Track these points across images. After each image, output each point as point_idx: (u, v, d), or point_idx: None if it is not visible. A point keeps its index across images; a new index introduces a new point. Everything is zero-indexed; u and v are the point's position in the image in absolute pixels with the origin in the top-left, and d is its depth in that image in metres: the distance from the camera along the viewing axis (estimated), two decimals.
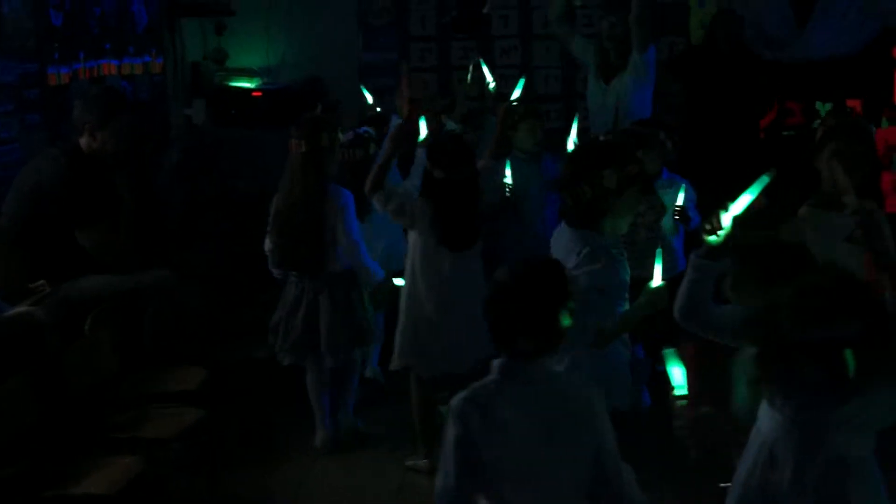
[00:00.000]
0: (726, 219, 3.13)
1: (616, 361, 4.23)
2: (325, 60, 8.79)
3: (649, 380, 5.64)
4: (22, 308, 4.77)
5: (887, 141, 7.84)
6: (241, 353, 6.76)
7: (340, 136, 5.76)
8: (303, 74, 8.97)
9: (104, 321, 5.20)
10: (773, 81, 8.18)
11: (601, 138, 6.33)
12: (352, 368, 5.89)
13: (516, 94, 5.82)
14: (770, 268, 3.41)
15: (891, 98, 8.44)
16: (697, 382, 5.97)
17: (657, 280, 3.85)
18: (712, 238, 3.14)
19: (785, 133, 8.41)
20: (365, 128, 6.27)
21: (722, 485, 3.41)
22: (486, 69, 6.79)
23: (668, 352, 3.33)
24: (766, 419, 3.16)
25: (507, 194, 5.77)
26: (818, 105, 8.61)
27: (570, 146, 5.66)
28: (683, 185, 5.71)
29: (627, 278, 4.21)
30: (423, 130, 5.76)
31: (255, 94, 8.88)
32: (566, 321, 3.08)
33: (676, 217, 5.65)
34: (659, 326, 4.35)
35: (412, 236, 5.41)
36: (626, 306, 4.16)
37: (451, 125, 6.22)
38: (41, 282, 5.11)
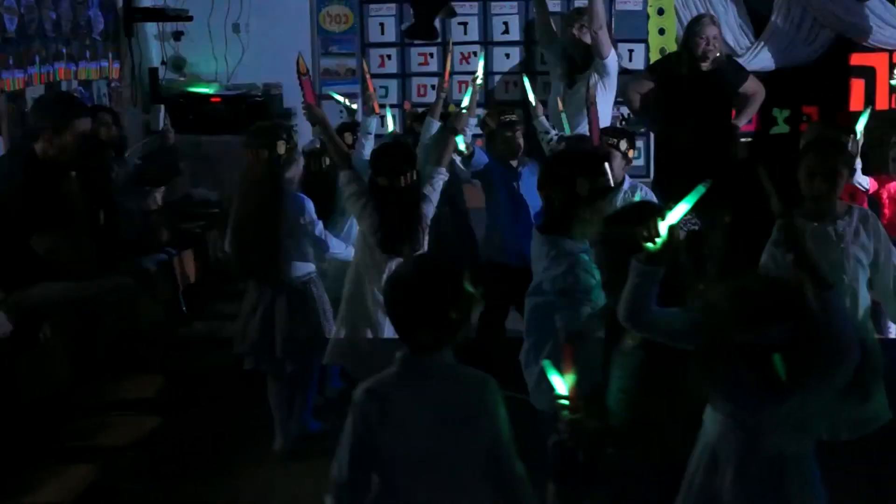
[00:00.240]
0: (663, 227, 3.18)
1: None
2: (282, 66, 8.75)
3: None
4: None
5: None
6: (199, 361, 6.72)
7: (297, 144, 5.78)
8: (261, 80, 8.95)
9: (60, 329, 5.15)
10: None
11: (553, 140, 6.43)
12: (309, 374, 5.87)
13: (465, 101, 5.84)
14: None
15: (846, 106, 8.54)
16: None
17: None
18: (650, 245, 3.19)
19: (742, 140, 8.46)
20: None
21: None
22: (481, 67, 6.70)
23: (546, 362, 3.36)
24: (710, 421, 3.23)
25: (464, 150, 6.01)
26: (775, 112, 8.70)
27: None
28: (639, 193, 5.76)
29: (593, 282, 4.24)
30: (390, 124, 5.89)
31: (213, 99, 8.85)
32: (461, 316, 3.22)
33: None
34: None
35: (359, 233, 5.42)
36: (592, 309, 4.21)
37: (370, 123, 6.20)
38: None
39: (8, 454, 4.52)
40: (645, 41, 8.83)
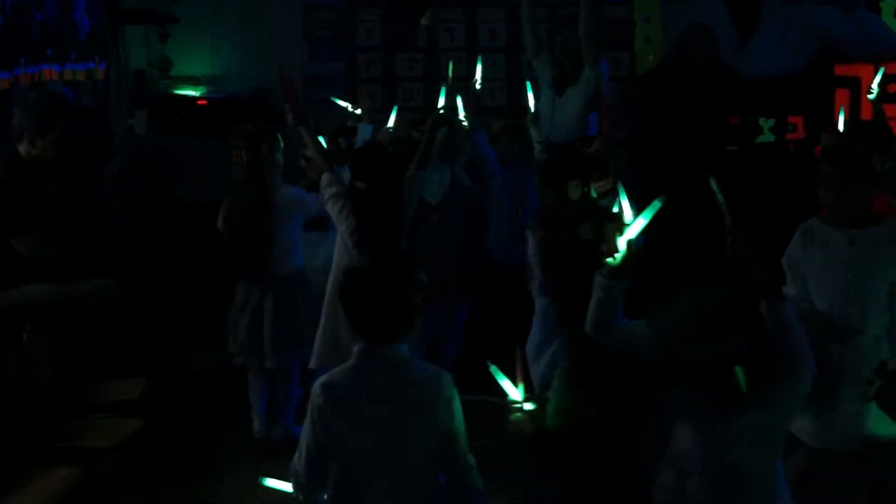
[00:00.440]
0: (622, 242, 3.25)
1: None
2: (269, 70, 8.74)
3: None
4: None
5: None
6: (182, 364, 6.68)
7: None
8: (247, 83, 8.93)
9: (42, 331, 5.12)
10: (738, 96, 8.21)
11: (538, 146, 6.48)
12: (288, 375, 5.93)
13: (441, 101, 5.87)
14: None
15: (831, 115, 8.57)
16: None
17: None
18: (610, 260, 3.26)
19: (728, 148, 8.47)
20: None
21: None
22: (479, 70, 6.71)
23: (493, 367, 3.40)
24: (678, 432, 3.29)
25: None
26: (761, 121, 8.72)
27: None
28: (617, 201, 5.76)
29: None
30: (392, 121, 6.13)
31: (199, 102, 8.84)
32: (411, 307, 3.35)
33: None
34: None
35: (339, 236, 5.44)
36: None
37: (366, 130, 6.22)
38: None
39: None
40: (630, 49, 8.85)
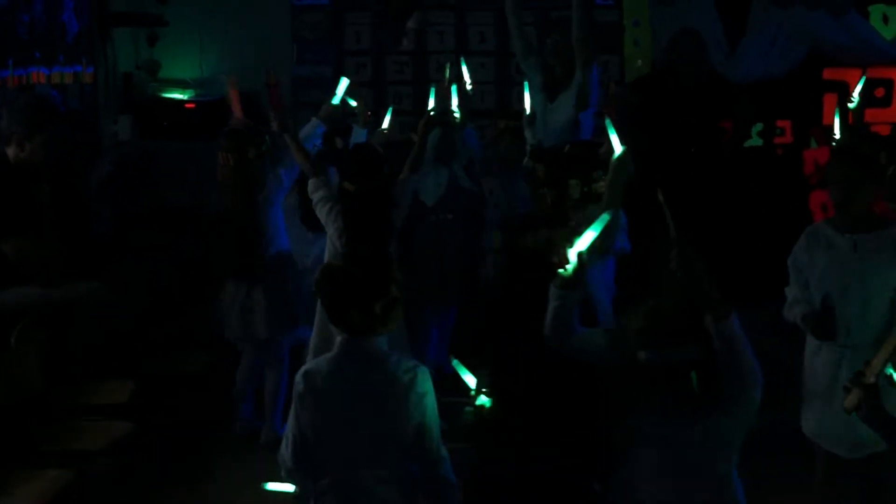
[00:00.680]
0: (572, 254, 3.34)
1: None
2: (258, 73, 8.73)
3: None
4: None
5: (817, 161, 7.97)
6: (171, 367, 6.67)
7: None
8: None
9: (30, 334, 5.10)
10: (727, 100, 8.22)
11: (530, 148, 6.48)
12: (280, 365, 5.97)
13: (431, 103, 5.87)
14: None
15: (820, 119, 8.60)
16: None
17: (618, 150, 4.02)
18: (561, 271, 3.36)
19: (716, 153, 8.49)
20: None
21: None
22: (465, 72, 6.69)
23: (455, 362, 3.43)
24: (633, 437, 3.35)
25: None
26: None
27: None
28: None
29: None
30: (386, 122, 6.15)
31: (187, 105, 8.80)
32: (387, 301, 3.42)
33: None
34: None
35: (328, 238, 5.44)
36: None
37: (360, 134, 6.21)
38: None
39: None
40: (620, 53, 8.87)
